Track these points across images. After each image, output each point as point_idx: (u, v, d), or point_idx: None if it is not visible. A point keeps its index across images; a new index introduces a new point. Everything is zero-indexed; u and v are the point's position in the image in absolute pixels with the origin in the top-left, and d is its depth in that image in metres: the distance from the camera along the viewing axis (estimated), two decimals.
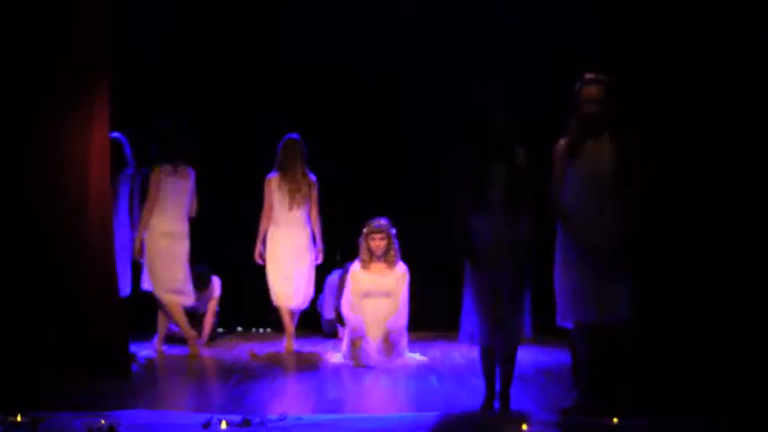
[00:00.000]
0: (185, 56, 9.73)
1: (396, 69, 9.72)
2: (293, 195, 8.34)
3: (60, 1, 7.05)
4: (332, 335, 9.20)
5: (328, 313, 9.32)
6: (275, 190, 8.34)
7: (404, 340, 7.94)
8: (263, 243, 8.44)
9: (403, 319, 7.90)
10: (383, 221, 8.00)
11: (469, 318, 5.80)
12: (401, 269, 8.03)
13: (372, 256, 7.99)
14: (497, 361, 5.83)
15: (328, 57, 9.77)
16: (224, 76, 9.85)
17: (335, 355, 8.03)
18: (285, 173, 8.35)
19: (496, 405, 5.84)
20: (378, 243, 7.95)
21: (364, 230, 8.02)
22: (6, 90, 7.00)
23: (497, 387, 5.87)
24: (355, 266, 8.12)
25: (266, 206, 8.38)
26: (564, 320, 5.78)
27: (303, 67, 9.78)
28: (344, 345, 7.97)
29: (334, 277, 9.32)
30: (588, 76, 5.73)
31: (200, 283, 9.01)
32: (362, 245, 8.02)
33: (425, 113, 9.52)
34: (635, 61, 6.60)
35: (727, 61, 6.52)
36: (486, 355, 5.85)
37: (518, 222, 5.67)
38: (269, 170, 8.47)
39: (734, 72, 6.52)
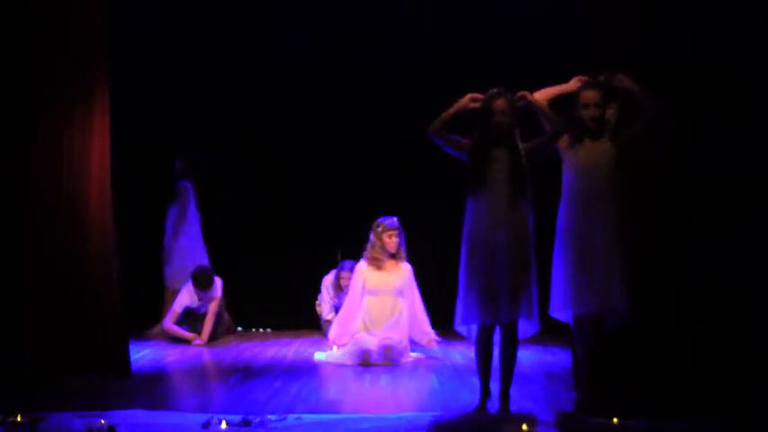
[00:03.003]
0: (185, 57, 9.74)
1: (398, 70, 9.73)
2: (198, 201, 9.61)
3: (60, 1, 7.05)
4: None
5: (327, 313, 9.32)
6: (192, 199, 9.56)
7: (407, 341, 8.00)
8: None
9: (425, 322, 8.20)
10: (395, 219, 8.15)
11: (465, 299, 5.74)
12: (406, 266, 8.17)
13: (386, 253, 8.10)
14: (500, 352, 5.81)
15: (329, 56, 9.80)
16: (225, 78, 9.86)
17: (335, 355, 8.03)
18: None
19: (491, 406, 5.82)
20: (394, 240, 8.10)
21: (378, 229, 8.14)
22: (6, 90, 7.00)
23: (491, 387, 5.84)
24: (361, 265, 8.18)
25: (190, 213, 9.55)
26: (559, 313, 5.81)
27: (306, 66, 9.80)
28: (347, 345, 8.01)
29: (330, 277, 9.33)
30: (587, 79, 5.85)
31: (203, 284, 9.02)
32: (375, 243, 8.11)
33: (427, 113, 9.51)
34: (636, 62, 6.59)
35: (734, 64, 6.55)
36: (483, 346, 5.79)
37: (518, 206, 5.71)
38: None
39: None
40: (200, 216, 9.57)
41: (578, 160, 5.79)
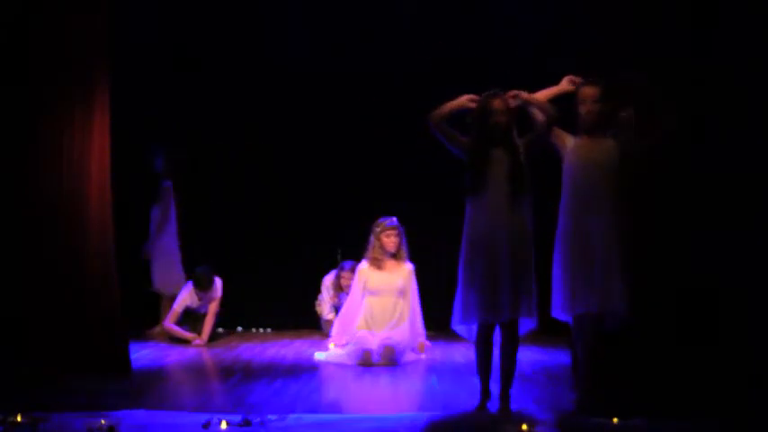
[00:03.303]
0: (185, 57, 9.74)
1: (398, 70, 9.72)
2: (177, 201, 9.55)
3: (60, 1, 7.05)
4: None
5: (327, 313, 9.32)
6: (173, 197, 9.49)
7: (407, 341, 8.00)
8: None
9: (420, 325, 8.18)
10: (395, 219, 8.15)
11: (464, 298, 5.74)
12: (408, 266, 8.18)
13: (385, 253, 8.10)
14: (500, 352, 5.81)
15: (329, 57, 9.79)
16: (225, 77, 9.86)
17: (335, 355, 8.04)
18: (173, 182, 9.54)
19: (491, 406, 5.82)
20: (393, 240, 8.10)
21: (377, 229, 8.15)
22: (6, 90, 7.00)
23: (491, 387, 5.85)
24: (362, 265, 8.19)
25: (171, 212, 9.49)
26: (560, 313, 5.81)
27: (306, 66, 9.79)
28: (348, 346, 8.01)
29: (330, 277, 9.34)
30: (585, 78, 5.87)
31: (204, 284, 9.01)
32: (374, 243, 8.13)
33: (427, 113, 9.51)
34: (636, 62, 6.59)
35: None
36: (483, 345, 5.80)
37: (518, 205, 5.72)
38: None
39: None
40: (177, 215, 9.54)
41: (578, 159, 5.80)
